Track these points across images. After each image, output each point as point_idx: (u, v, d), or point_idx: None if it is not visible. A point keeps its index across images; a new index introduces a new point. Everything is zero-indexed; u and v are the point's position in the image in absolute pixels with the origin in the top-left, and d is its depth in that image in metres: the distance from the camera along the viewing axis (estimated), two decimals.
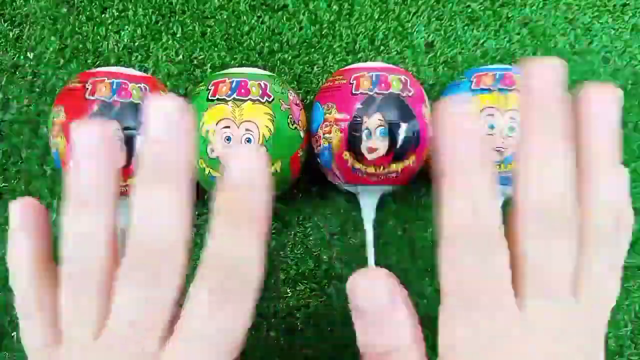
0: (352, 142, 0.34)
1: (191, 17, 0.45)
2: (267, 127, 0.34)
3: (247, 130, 0.34)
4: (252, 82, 0.35)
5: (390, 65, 0.36)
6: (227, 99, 0.34)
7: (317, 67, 0.44)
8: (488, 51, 0.44)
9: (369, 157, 0.34)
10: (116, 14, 0.45)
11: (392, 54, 0.44)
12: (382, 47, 0.45)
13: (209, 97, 0.35)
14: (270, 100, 0.34)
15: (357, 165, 0.34)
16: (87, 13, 0.45)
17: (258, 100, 0.34)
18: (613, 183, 0.18)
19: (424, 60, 0.44)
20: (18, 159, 0.42)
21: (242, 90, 0.34)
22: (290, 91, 0.36)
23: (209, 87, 0.35)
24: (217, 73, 0.37)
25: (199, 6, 0.45)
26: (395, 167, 0.35)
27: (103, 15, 0.45)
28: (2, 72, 0.43)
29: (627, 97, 0.43)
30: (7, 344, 0.38)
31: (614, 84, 0.20)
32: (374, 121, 0.34)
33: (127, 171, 0.35)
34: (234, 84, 0.35)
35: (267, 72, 0.37)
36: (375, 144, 0.34)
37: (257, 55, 0.44)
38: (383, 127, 0.34)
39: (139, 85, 0.35)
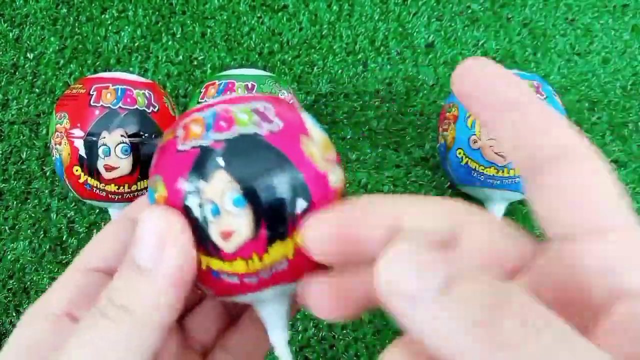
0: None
1: (191, 18, 0.45)
2: None
3: None
4: (239, 84, 0.35)
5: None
6: None
7: (317, 68, 0.44)
8: (488, 52, 0.44)
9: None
10: (116, 14, 0.45)
11: (392, 54, 0.44)
12: (382, 48, 0.45)
13: (199, 100, 0.35)
14: None
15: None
16: (87, 13, 0.45)
17: None
18: None
19: (424, 61, 0.44)
20: (18, 159, 0.42)
21: (228, 92, 0.34)
22: (284, 91, 0.36)
23: (201, 90, 0.35)
24: (217, 75, 0.37)
25: (199, 7, 0.45)
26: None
27: (103, 16, 0.45)
28: (2, 72, 0.43)
29: (627, 97, 0.43)
30: None
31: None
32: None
33: (132, 178, 0.35)
34: (221, 85, 0.35)
35: (263, 73, 0.37)
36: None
37: (257, 56, 0.44)
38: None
39: (143, 91, 0.35)
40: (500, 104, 0.15)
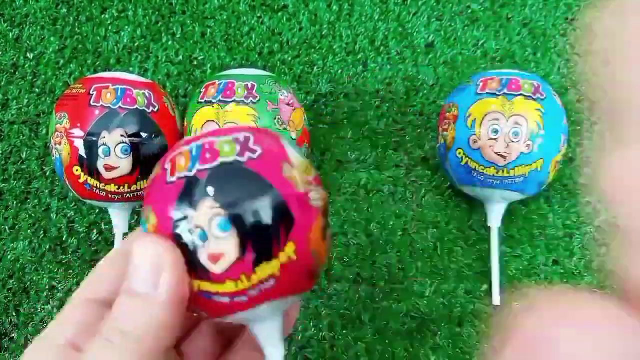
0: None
1: (191, 18, 0.45)
2: None
3: None
4: (239, 84, 0.35)
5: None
6: (213, 101, 0.34)
7: (317, 68, 0.44)
8: (488, 52, 0.44)
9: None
10: (116, 14, 0.45)
11: (392, 54, 0.44)
12: (382, 48, 0.45)
13: (199, 100, 0.35)
14: (255, 101, 0.34)
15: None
16: (87, 13, 0.45)
17: (242, 101, 0.34)
18: None
19: (424, 61, 0.44)
20: (18, 159, 0.42)
21: (228, 92, 0.34)
22: (284, 91, 0.36)
23: (201, 90, 0.35)
24: (217, 75, 0.37)
25: (199, 7, 0.45)
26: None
27: (103, 16, 0.45)
28: (2, 72, 0.43)
29: None
30: (7, 344, 0.38)
31: None
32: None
33: (132, 178, 0.35)
34: (221, 85, 0.35)
35: (263, 73, 0.37)
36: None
37: (257, 56, 0.44)
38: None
39: (143, 91, 0.35)
40: None
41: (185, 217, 0.18)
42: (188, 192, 0.18)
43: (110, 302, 0.19)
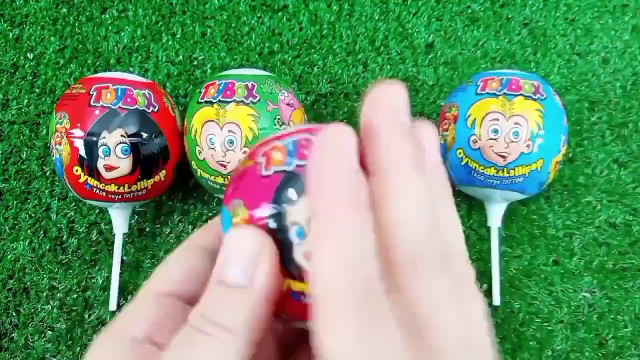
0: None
1: (191, 18, 0.45)
2: (250, 128, 0.34)
3: (229, 131, 0.34)
4: (239, 84, 0.35)
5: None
6: (213, 101, 0.34)
7: (317, 68, 0.44)
8: (488, 52, 0.44)
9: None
10: (116, 14, 0.45)
11: (392, 55, 0.44)
12: (382, 48, 0.45)
13: (199, 100, 0.35)
14: (255, 101, 0.34)
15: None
16: (87, 13, 0.45)
17: (242, 101, 0.34)
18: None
19: (424, 61, 0.44)
20: (18, 159, 0.42)
21: (228, 92, 0.34)
22: (284, 91, 0.36)
23: (201, 90, 0.35)
24: (217, 75, 0.37)
25: (199, 7, 0.45)
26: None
27: (103, 16, 0.45)
28: (2, 72, 0.43)
29: (627, 97, 0.43)
30: (7, 344, 0.38)
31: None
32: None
33: (132, 178, 0.35)
34: (221, 85, 0.35)
35: (263, 73, 0.37)
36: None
37: (257, 56, 0.44)
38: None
39: (143, 91, 0.35)
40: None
41: (281, 212, 0.17)
42: (286, 187, 0.17)
43: (183, 297, 0.18)
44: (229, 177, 0.34)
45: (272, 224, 0.17)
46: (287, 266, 0.17)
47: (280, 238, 0.17)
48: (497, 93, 0.35)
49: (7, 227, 0.40)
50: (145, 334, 0.17)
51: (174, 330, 0.16)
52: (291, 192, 0.17)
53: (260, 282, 0.16)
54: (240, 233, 0.17)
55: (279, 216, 0.17)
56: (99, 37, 0.44)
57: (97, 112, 0.33)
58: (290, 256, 0.17)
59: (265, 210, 0.17)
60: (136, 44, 0.44)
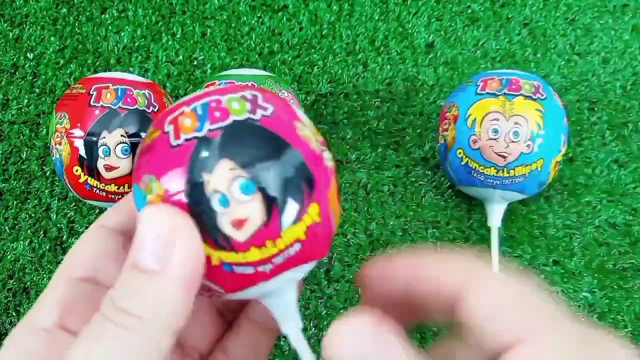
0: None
1: (191, 18, 0.45)
2: None
3: None
4: (239, 84, 0.35)
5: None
6: None
7: (317, 68, 0.44)
8: (488, 52, 0.44)
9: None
10: (116, 14, 0.45)
11: (392, 55, 0.44)
12: (382, 48, 0.45)
13: None
14: None
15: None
16: (87, 13, 0.45)
17: None
18: None
19: (424, 61, 0.44)
20: (18, 159, 0.42)
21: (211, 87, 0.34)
22: (284, 91, 0.36)
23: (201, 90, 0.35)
24: (217, 75, 0.37)
25: (199, 6, 0.45)
26: None
27: (103, 16, 0.45)
28: (2, 72, 0.43)
29: (627, 97, 0.43)
30: None
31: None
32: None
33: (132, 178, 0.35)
34: (221, 85, 0.35)
35: (263, 73, 0.37)
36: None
37: (257, 56, 0.44)
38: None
39: (143, 91, 0.35)
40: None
41: (200, 182, 0.16)
42: (200, 155, 0.16)
43: (96, 281, 0.17)
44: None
45: (193, 196, 0.16)
46: (215, 238, 0.16)
47: (202, 210, 0.16)
48: (497, 93, 0.35)
49: (7, 227, 0.40)
50: (55, 322, 0.17)
51: (92, 315, 0.15)
52: (207, 160, 0.16)
53: (176, 265, 0.15)
54: (151, 212, 0.15)
55: (197, 187, 0.16)
56: (99, 37, 0.44)
57: (97, 112, 0.33)
58: (216, 227, 0.16)
59: (181, 183, 0.16)
60: (136, 44, 0.44)
